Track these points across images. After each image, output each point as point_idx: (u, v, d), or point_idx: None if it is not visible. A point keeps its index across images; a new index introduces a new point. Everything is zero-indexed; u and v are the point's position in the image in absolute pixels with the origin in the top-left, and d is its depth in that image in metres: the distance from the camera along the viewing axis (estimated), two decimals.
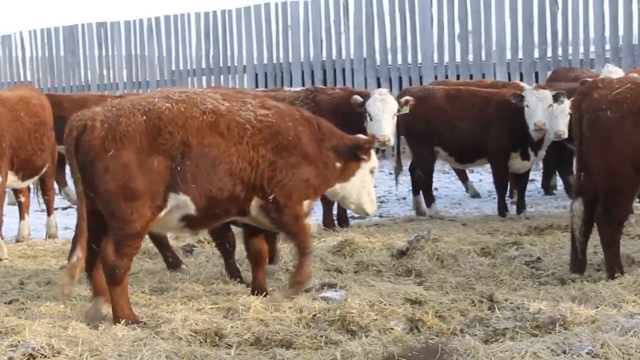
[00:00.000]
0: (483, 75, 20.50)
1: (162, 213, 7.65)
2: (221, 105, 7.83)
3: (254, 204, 7.95)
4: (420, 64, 21.71)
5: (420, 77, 21.50)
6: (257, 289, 8.38)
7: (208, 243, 11.27)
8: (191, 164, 7.58)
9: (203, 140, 7.62)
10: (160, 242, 10.07)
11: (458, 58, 21.48)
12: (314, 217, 11.70)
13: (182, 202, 7.67)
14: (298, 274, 8.25)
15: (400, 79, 21.88)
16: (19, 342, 6.82)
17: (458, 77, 20.80)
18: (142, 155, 7.48)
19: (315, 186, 8.16)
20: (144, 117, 7.54)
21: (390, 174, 14.55)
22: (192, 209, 7.72)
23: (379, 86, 21.36)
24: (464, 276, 9.20)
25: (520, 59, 20.80)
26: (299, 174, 8.00)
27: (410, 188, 14.57)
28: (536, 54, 20.82)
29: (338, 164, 8.29)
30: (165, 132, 7.53)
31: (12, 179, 11.66)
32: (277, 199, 7.93)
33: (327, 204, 12.33)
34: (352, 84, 22.19)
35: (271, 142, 7.89)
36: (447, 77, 20.88)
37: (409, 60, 21.89)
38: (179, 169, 7.55)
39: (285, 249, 9.67)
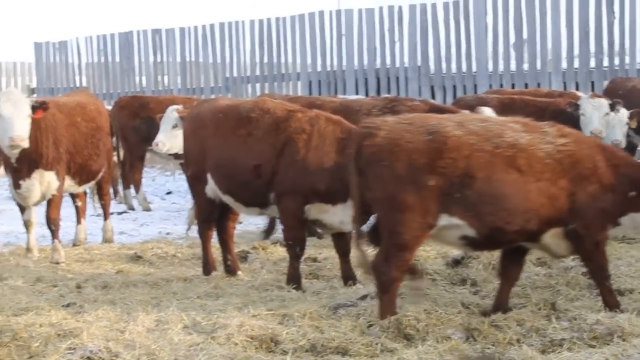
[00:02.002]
0: (538, 85, 20.36)
1: (433, 230, 7.63)
2: (521, 138, 7.63)
3: (548, 234, 7.78)
4: (475, 72, 21.60)
5: (475, 86, 21.38)
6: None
7: (263, 249, 11.32)
8: (473, 194, 7.49)
9: (493, 175, 7.50)
10: (226, 244, 10.12)
11: (513, 67, 21.34)
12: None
13: (455, 224, 7.62)
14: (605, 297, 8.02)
15: (454, 87, 21.77)
16: (77, 345, 6.88)
17: (513, 86, 20.65)
18: (417, 172, 7.50)
19: (612, 214, 7.86)
20: (429, 137, 7.55)
21: None
22: (471, 233, 7.66)
23: (432, 95, 21.31)
24: (520, 286, 9.11)
25: (576, 69, 20.62)
26: (598, 203, 7.72)
27: None
28: (592, 64, 20.63)
29: (632, 193, 7.88)
30: (447, 157, 7.49)
31: (69, 184, 11.80)
32: (576, 229, 7.74)
33: None
34: (405, 92, 22.13)
35: (571, 172, 7.65)
36: (501, 86, 20.73)
37: (464, 68, 21.78)
38: (456, 195, 7.50)
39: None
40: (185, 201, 17.19)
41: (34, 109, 10.94)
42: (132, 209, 16.46)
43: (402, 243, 7.59)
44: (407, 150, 7.52)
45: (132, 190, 16.77)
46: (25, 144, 10.75)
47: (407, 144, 7.54)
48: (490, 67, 21.51)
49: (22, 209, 11.60)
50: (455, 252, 10.29)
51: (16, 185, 11.19)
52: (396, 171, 7.53)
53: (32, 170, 11.13)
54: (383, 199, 7.61)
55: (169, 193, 18.99)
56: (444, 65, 22.05)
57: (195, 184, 10.10)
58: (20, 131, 10.70)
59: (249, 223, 14.00)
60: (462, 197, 7.49)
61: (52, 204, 11.45)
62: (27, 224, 11.62)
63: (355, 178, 7.79)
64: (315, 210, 9.22)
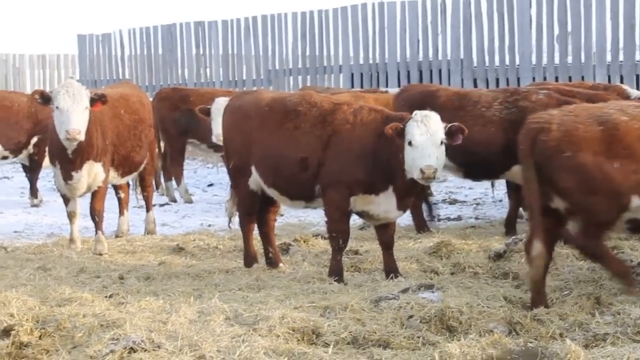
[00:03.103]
0: (582, 78, 20.18)
1: (626, 212, 7.95)
2: None
3: None
4: (518, 65, 21.44)
5: (518, 79, 21.23)
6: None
7: (304, 242, 11.32)
8: None
9: None
10: (267, 237, 10.14)
11: (557, 60, 21.18)
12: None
13: None
14: None
15: (497, 80, 21.64)
16: (120, 335, 6.91)
17: (557, 79, 20.49)
18: (599, 159, 7.87)
19: None
20: (601, 126, 7.91)
21: None
22: None
23: (475, 87, 21.19)
24: (563, 280, 9.07)
25: (621, 62, 20.41)
26: None
27: (507, 190, 14.41)
28: (638, 56, 20.43)
29: None
30: (623, 141, 7.86)
31: (112, 175, 11.86)
32: None
33: (415, 208, 12.09)
34: (448, 84, 22.02)
35: None
36: (545, 79, 20.58)
37: (507, 61, 21.64)
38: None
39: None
40: (226, 193, 17.21)
41: (93, 101, 10.99)
42: (173, 201, 16.53)
43: (600, 222, 7.97)
44: (585, 139, 7.87)
45: (173, 182, 16.84)
46: (82, 136, 10.80)
47: (584, 134, 7.89)
48: (534, 60, 21.34)
49: (66, 200, 11.65)
50: (498, 246, 10.25)
51: (67, 177, 11.23)
52: (580, 160, 7.86)
53: (83, 162, 11.18)
54: (573, 188, 7.91)
55: (210, 185, 19.05)
56: (487, 58, 21.92)
57: (238, 177, 10.11)
58: (77, 124, 10.74)
59: (290, 215, 14.02)
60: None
61: (97, 196, 11.52)
62: (70, 216, 11.68)
63: (531, 172, 8.01)
64: (360, 202, 9.23)
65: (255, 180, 9.91)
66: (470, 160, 11.55)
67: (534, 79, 20.68)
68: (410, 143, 8.81)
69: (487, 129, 11.58)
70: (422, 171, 8.70)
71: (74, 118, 10.72)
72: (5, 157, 16.39)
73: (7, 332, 7.19)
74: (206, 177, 19.89)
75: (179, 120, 16.81)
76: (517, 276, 9.28)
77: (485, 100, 11.74)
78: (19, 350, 6.94)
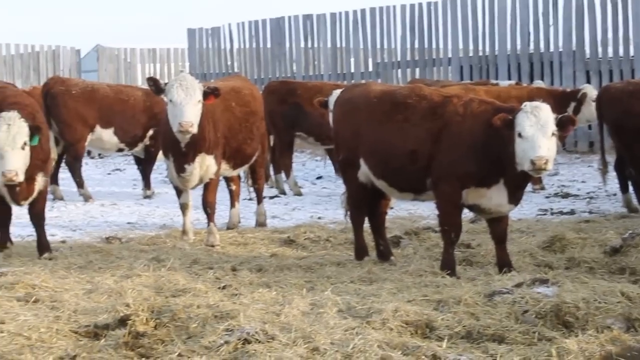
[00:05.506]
0: None
1: None
2: None
3: None
4: (632, 56, 21.00)
5: (632, 71, 20.81)
6: None
7: (415, 235, 11.26)
8: None
9: None
10: (378, 230, 10.11)
11: None
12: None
13: None
14: None
15: (610, 72, 21.23)
16: (234, 326, 6.94)
17: None
18: None
19: None
20: None
21: (599, 169, 14.16)
22: None
23: (588, 80, 20.81)
24: None
25: None
26: None
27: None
28: None
29: None
30: None
31: (224, 167, 11.96)
32: None
33: None
34: (560, 77, 21.73)
35: None
36: None
37: (621, 52, 21.24)
38: None
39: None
40: (335, 186, 17.26)
41: (206, 94, 11.10)
42: (283, 193, 16.60)
43: None
44: None
45: (282, 174, 16.92)
46: (194, 129, 10.90)
47: None
48: None
49: (179, 192, 11.78)
50: (614, 241, 10.06)
51: (180, 170, 11.35)
52: None
53: (196, 154, 11.29)
54: None
55: (319, 178, 19.09)
56: (599, 49, 21.54)
57: (347, 169, 10.10)
58: (190, 117, 10.86)
59: (399, 208, 13.95)
60: None
61: (209, 188, 11.62)
62: (183, 207, 11.81)
63: None
64: (472, 195, 9.15)
65: (364, 172, 9.89)
66: None
67: None
68: (520, 135, 8.69)
69: None
70: (532, 162, 8.57)
71: (187, 111, 10.83)
72: (120, 150, 16.68)
73: (123, 321, 7.26)
74: (314, 169, 19.94)
75: (287, 114, 16.88)
76: (635, 271, 9.09)
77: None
78: (135, 340, 7.00)
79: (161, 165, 17.47)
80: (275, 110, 16.75)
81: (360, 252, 10.19)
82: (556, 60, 22.09)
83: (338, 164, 10.49)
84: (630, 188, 13.44)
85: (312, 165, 20.94)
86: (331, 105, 13.81)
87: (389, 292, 8.26)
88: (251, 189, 13.36)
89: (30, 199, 10.51)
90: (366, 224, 10.25)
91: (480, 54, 23.52)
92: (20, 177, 9.98)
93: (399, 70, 25.19)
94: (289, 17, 27.37)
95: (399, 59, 25.19)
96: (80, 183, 16.15)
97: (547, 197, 15.39)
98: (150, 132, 16.17)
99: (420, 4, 24.48)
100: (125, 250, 10.96)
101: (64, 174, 16.64)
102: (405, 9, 24.77)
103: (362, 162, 9.85)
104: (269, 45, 27.96)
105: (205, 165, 11.41)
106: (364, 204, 10.14)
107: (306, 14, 27.04)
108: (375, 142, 9.69)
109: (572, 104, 15.76)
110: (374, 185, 9.92)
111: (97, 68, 32.57)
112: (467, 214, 10.49)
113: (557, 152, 8.96)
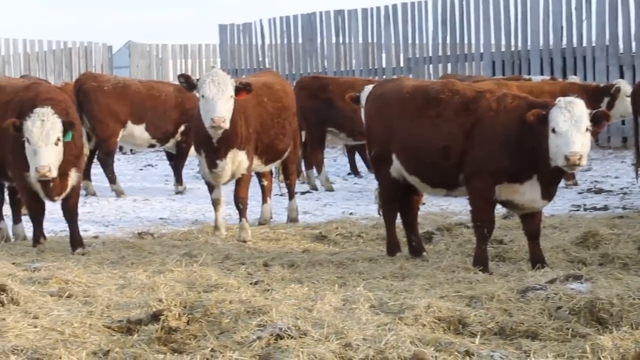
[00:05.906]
0: None
1: None
2: None
3: None
4: None
5: None
6: None
7: (447, 231, 11.23)
8: None
9: None
10: (410, 225, 10.09)
11: None
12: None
13: None
14: None
15: None
16: (266, 322, 6.93)
17: None
18: None
19: None
20: None
21: (633, 164, 14.07)
22: None
23: (621, 75, 20.66)
24: None
25: None
26: None
27: None
28: None
29: None
30: None
31: (256, 163, 11.95)
32: None
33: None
34: (592, 72, 21.59)
35: None
36: None
37: None
38: None
39: None
40: (367, 182, 17.24)
41: (238, 90, 11.11)
42: (315, 189, 16.60)
43: None
44: None
45: (314, 170, 16.92)
46: (226, 125, 10.91)
47: None
48: None
49: (211, 188, 11.80)
50: None
51: (212, 165, 11.36)
52: None
53: (228, 150, 11.31)
54: None
55: (350, 174, 19.06)
56: (633, 44, 21.38)
57: (379, 165, 10.09)
58: (222, 112, 10.86)
59: (431, 204, 13.92)
60: None
61: (241, 183, 11.62)
62: (215, 203, 11.83)
63: None
64: (505, 191, 9.11)
65: (396, 168, 9.87)
66: None
67: None
68: (553, 130, 8.65)
69: None
70: (566, 158, 8.53)
71: (219, 106, 10.84)
72: (152, 146, 16.75)
73: (156, 316, 7.29)
74: (346, 165, 19.90)
75: (318, 109, 16.88)
76: None
77: None
78: (168, 335, 7.02)
79: (193, 161, 17.50)
80: (306, 105, 16.74)
81: (393, 247, 10.17)
82: (589, 55, 21.94)
83: (370, 160, 10.45)
84: None
85: (343, 161, 20.90)
86: (363, 101, 13.78)
87: (421, 288, 8.25)
88: (283, 184, 13.37)
89: (64, 195, 10.58)
90: (398, 220, 10.23)
91: (513, 49, 23.40)
92: (54, 173, 10.04)
93: (431, 66, 25.12)
94: (321, 13, 27.36)
95: (430, 54, 25.11)
96: (112, 179, 16.21)
97: (580, 193, 15.30)
98: (182, 127, 16.22)
99: None
100: (157, 245, 11.00)
101: (97, 170, 16.71)
102: (437, 3, 24.69)
103: (394, 157, 9.84)
104: (300, 41, 27.95)
105: (237, 160, 11.41)
106: (396, 199, 10.12)
107: (337, 9, 27.03)
108: (407, 138, 9.67)
109: (606, 99, 15.64)
110: (406, 181, 9.90)
111: (129, 64, 32.68)
112: (499, 210, 10.44)
113: (590, 147, 8.91)
